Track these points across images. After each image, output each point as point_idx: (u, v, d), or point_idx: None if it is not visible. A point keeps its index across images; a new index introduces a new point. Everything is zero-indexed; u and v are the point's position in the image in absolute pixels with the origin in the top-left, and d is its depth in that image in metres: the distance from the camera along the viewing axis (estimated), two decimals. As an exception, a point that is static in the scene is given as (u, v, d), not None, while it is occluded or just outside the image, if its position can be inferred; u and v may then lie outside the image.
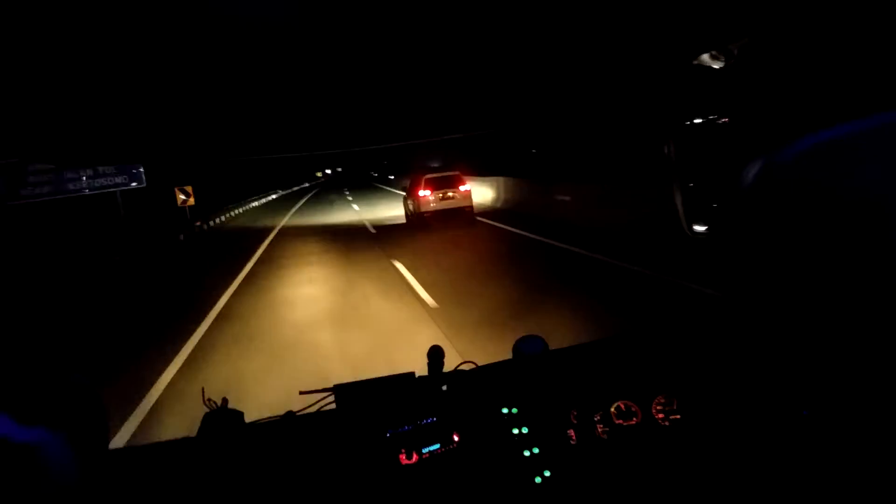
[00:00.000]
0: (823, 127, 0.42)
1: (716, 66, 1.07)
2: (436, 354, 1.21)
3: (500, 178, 14.85)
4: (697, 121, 1.01)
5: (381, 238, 11.29)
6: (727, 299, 0.94)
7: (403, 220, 13.05)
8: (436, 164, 11.87)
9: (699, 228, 0.99)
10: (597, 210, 9.31)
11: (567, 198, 10.75)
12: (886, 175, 0.37)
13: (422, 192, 11.16)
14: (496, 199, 14.91)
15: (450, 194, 11.19)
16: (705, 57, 1.06)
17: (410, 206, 12.02)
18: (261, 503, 0.92)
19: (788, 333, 0.45)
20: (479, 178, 15.49)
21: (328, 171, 67.90)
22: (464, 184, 11.45)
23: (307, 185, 57.02)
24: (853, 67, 0.71)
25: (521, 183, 13.67)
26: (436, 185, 11.20)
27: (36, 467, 0.58)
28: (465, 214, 11.30)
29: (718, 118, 0.98)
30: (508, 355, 1.25)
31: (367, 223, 14.26)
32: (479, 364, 1.26)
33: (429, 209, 11.07)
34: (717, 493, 1.00)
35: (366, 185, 41.96)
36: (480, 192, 14.92)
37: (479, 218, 11.80)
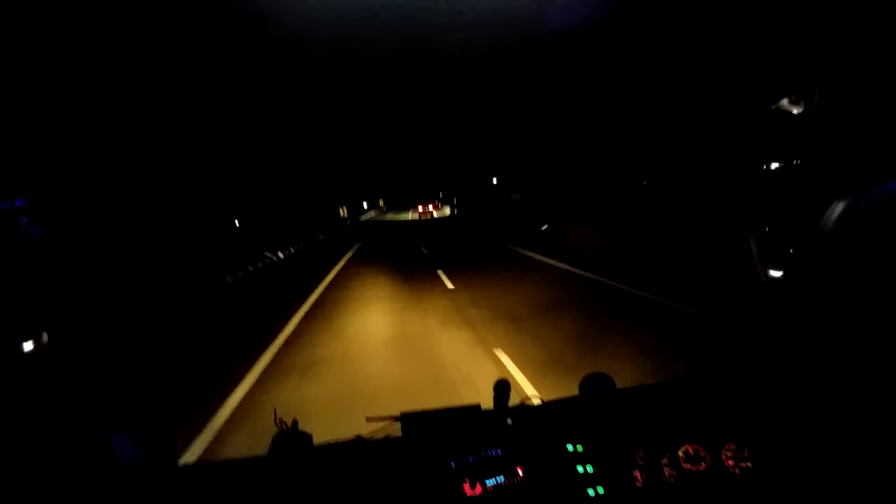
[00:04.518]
0: None
1: (795, 112, 1.03)
2: (502, 388, 1.21)
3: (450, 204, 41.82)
4: (775, 166, 1.18)
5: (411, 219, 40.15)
6: (802, 344, 0.93)
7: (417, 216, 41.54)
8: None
9: (775, 274, 0.96)
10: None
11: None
12: None
13: (419, 207, 39.45)
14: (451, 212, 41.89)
15: (429, 208, 39.35)
16: (784, 102, 1.04)
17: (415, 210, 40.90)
18: None
19: (865, 372, 0.44)
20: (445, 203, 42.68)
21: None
22: (435, 205, 39.61)
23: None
24: None
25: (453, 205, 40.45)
26: (423, 204, 39.19)
27: (113, 462, 0.82)
28: (432, 214, 39.13)
29: (796, 163, 0.93)
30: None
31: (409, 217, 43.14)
32: (546, 400, 1.25)
33: (419, 212, 39.51)
34: None
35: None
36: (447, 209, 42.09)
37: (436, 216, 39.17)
